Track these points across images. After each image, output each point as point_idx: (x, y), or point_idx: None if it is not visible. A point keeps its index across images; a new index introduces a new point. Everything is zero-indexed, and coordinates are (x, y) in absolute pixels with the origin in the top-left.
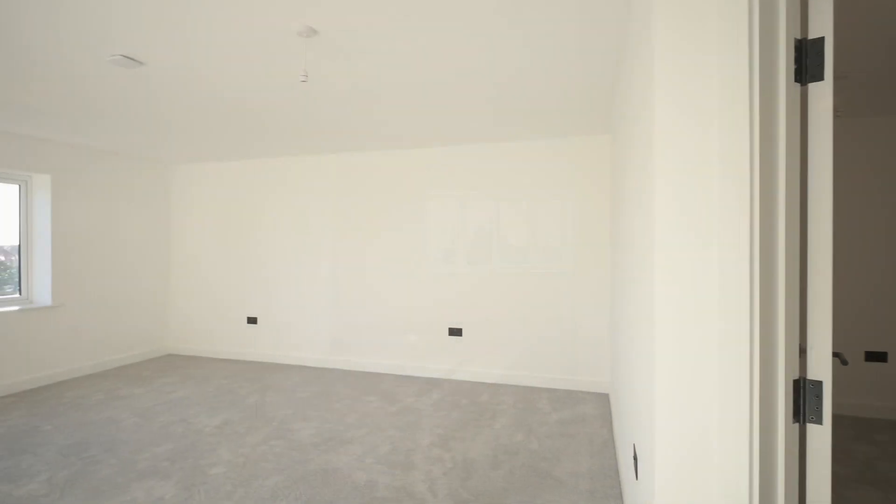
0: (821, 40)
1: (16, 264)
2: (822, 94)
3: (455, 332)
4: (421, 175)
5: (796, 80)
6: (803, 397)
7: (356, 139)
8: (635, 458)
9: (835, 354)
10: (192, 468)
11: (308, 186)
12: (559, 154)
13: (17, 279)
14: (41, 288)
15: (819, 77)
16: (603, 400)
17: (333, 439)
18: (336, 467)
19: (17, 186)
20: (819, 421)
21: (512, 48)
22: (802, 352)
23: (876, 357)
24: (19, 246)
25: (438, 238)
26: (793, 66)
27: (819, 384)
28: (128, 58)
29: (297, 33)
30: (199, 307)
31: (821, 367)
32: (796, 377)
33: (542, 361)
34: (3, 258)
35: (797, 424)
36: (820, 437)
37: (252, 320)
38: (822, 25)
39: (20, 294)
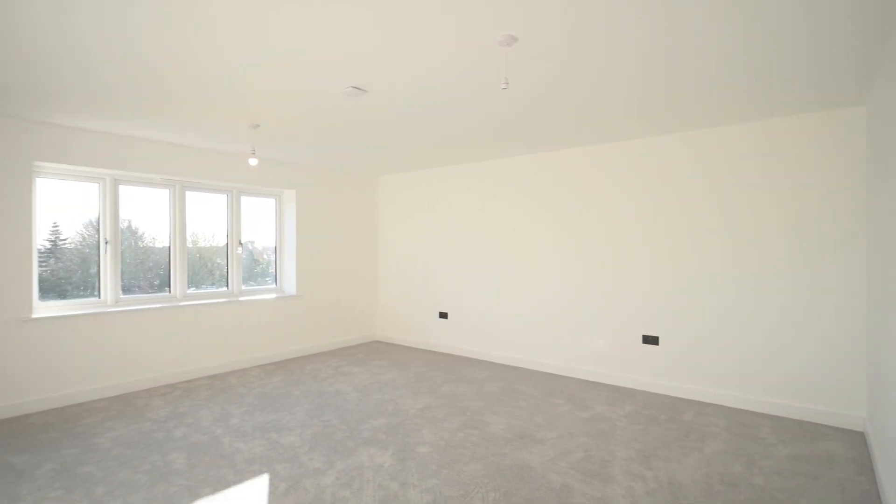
0: None
1: (273, 261)
2: None
3: (650, 339)
4: (614, 171)
5: None
6: None
7: (550, 139)
8: None
9: None
10: (402, 443)
11: (493, 190)
12: (784, 134)
13: (273, 273)
14: (289, 280)
15: None
16: (855, 438)
17: (524, 437)
18: (529, 465)
19: (273, 200)
20: None
21: (742, 19)
22: None
23: None
24: (276, 247)
25: (633, 237)
26: None
27: None
28: (356, 88)
29: (498, 43)
30: (400, 300)
31: None
32: None
33: (763, 381)
34: (266, 256)
35: None
36: None
37: (443, 315)
38: None
39: (276, 285)
